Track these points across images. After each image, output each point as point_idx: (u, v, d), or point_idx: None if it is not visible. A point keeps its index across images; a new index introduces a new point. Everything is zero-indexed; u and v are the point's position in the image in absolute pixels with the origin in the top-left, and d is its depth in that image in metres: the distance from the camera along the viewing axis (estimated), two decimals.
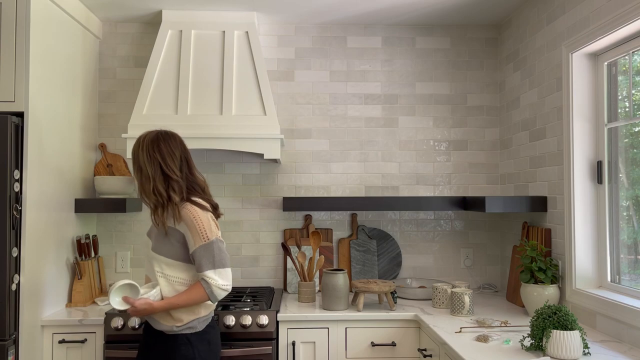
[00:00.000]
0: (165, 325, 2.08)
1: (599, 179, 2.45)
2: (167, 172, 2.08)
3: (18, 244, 2.41)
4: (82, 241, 2.96)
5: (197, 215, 2.06)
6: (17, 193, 2.40)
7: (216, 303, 2.17)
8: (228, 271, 2.07)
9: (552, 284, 2.51)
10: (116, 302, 2.05)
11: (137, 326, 2.53)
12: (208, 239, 2.04)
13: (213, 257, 2.03)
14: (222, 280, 2.04)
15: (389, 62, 3.39)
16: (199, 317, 2.11)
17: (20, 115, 2.46)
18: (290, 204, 3.00)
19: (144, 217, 3.27)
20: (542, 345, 1.95)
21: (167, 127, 2.86)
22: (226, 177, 3.32)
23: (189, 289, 2.05)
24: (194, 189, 2.15)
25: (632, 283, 2.29)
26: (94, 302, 2.95)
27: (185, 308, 2.08)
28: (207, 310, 2.14)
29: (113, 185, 3.01)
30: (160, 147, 2.10)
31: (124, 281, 2.06)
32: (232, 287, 3.20)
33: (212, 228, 2.06)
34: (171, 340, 2.07)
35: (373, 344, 2.63)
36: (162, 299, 2.06)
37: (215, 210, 2.18)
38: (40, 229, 2.55)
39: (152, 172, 2.07)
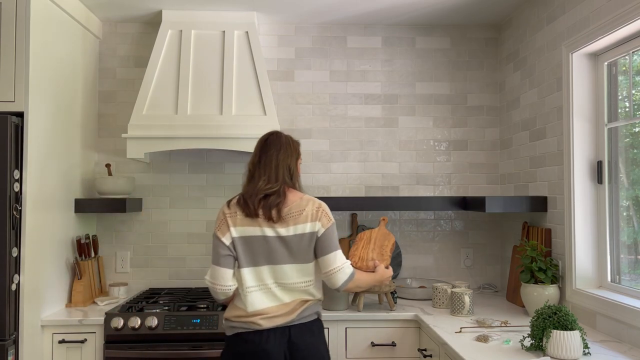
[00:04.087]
0: None
1: (599, 179, 2.45)
2: (249, 162, 2.16)
3: (18, 244, 2.40)
4: (82, 241, 2.96)
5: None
6: (17, 193, 2.40)
7: (252, 314, 2.02)
8: (214, 268, 2.04)
9: (552, 284, 2.51)
10: None
11: (137, 326, 2.53)
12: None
13: (212, 250, 2.09)
14: (207, 275, 2.06)
15: (389, 62, 3.39)
16: (225, 318, 2.09)
17: (20, 115, 2.46)
18: None
19: (144, 217, 3.27)
20: (542, 345, 1.95)
21: (167, 127, 2.88)
22: (226, 177, 3.32)
23: None
24: (250, 185, 2.10)
25: (632, 283, 2.29)
26: (93, 302, 2.95)
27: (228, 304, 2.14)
28: (230, 313, 2.06)
29: (113, 185, 3.00)
30: (257, 142, 2.18)
31: None
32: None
33: (216, 222, 2.10)
34: None
35: (373, 344, 2.62)
36: None
37: (243, 205, 2.05)
38: (40, 229, 2.55)
39: None
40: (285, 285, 2.04)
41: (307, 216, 2.04)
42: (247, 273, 2.02)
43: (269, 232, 2.02)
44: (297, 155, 2.16)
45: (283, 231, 2.02)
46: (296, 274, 2.04)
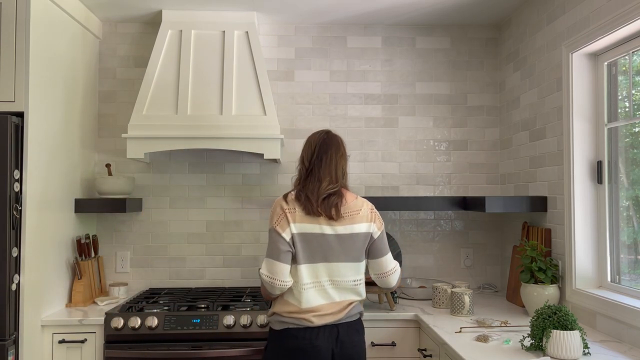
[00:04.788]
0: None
1: (599, 179, 2.45)
2: (302, 158, 2.17)
3: (18, 244, 2.40)
4: (82, 241, 2.96)
5: (273, 203, 2.14)
6: (17, 193, 2.40)
7: (306, 310, 2.03)
8: (273, 263, 2.03)
9: (552, 284, 2.51)
10: None
11: (137, 326, 2.53)
12: (268, 227, 2.10)
13: (268, 245, 2.08)
14: (264, 270, 2.04)
15: (389, 62, 3.39)
16: (274, 312, 2.10)
17: (20, 115, 2.46)
18: None
19: (144, 217, 3.27)
20: (542, 345, 1.95)
21: (167, 127, 2.88)
22: (226, 177, 3.32)
23: None
24: (310, 180, 2.11)
25: (632, 283, 2.29)
26: (94, 302, 2.95)
27: (276, 298, 2.12)
28: (281, 309, 2.07)
29: (113, 185, 3.00)
30: (309, 140, 2.20)
31: None
32: (232, 287, 3.20)
33: (273, 217, 2.08)
34: None
35: (373, 344, 2.62)
36: None
37: (304, 202, 2.06)
38: (40, 229, 2.55)
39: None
40: (339, 283, 2.08)
41: (363, 216, 2.11)
42: (305, 270, 2.05)
43: (327, 229, 2.06)
44: (347, 156, 2.22)
45: (341, 229, 2.07)
46: (349, 272, 2.09)
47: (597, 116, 2.47)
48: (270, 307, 2.19)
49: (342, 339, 2.05)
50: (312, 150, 2.15)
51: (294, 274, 2.06)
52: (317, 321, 2.03)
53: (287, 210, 2.07)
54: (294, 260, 2.06)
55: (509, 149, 3.23)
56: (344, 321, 2.08)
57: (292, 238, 2.05)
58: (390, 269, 2.17)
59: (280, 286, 2.03)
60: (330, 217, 2.06)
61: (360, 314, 2.16)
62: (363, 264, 2.13)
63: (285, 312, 2.06)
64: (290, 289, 2.07)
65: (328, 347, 2.03)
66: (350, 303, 2.11)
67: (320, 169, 2.11)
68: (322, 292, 2.07)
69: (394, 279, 2.19)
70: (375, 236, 2.13)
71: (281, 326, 2.06)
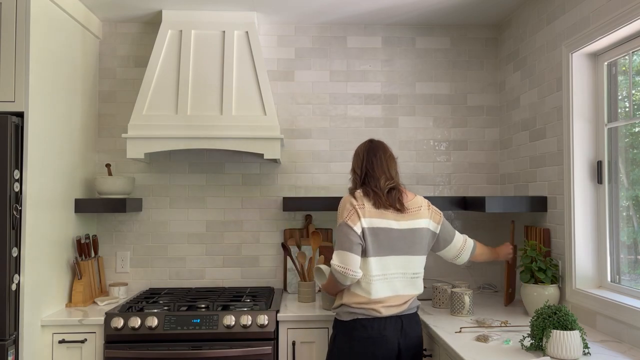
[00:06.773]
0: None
1: (599, 179, 2.45)
2: (354, 168, 2.35)
3: (18, 244, 2.41)
4: (82, 241, 2.96)
5: (341, 200, 2.27)
6: (17, 193, 2.40)
7: (375, 301, 2.16)
8: (346, 254, 2.12)
9: (552, 284, 2.51)
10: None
11: (137, 326, 2.53)
12: (338, 222, 2.21)
13: (339, 238, 2.18)
14: (336, 261, 2.14)
15: (389, 62, 3.39)
16: (342, 303, 2.21)
17: (20, 115, 2.46)
18: (290, 204, 3.00)
19: (143, 217, 3.27)
20: (542, 345, 1.95)
21: (167, 127, 2.88)
22: (226, 177, 3.32)
23: None
24: (368, 182, 2.27)
25: (632, 283, 2.29)
26: (94, 302, 2.95)
27: (342, 291, 2.23)
28: (350, 300, 2.18)
29: (113, 185, 3.00)
30: (356, 151, 2.38)
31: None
32: (232, 287, 3.20)
33: (343, 213, 2.20)
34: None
35: None
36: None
37: (373, 196, 2.21)
38: (40, 229, 2.55)
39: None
40: (406, 275, 2.23)
41: (423, 213, 2.29)
42: (374, 262, 2.17)
43: (394, 224, 2.21)
44: (395, 158, 2.39)
45: (405, 224, 2.23)
46: (413, 265, 2.24)
47: (597, 116, 2.47)
48: (336, 300, 2.30)
49: (405, 330, 2.20)
50: (361, 159, 2.31)
51: (364, 266, 2.16)
52: (385, 312, 2.17)
53: (357, 206, 2.19)
54: (364, 253, 2.16)
55: (509, 149, 3.23)
56: (406, 313, 2.23)
57: (363, 232, 2.16)
58: (459, 248, 2.40)
59: (352, 276, 2.13)
60: (397, 210, 2.21)
61: (418, 307, 2.30)
62: (424, 258, 2.28)
63: (355, 303, 2.17)
64: (358, 281, 2.16)
65: (394, 338, 2.17)
66: (412, 295, 2.25)
67: (374, 171, 2.28)
68: (389, 284, 2.19)
69: (465, 256, 2.44)
70: (437, 231, 2.32)
71: (350, 317, 2.17)
